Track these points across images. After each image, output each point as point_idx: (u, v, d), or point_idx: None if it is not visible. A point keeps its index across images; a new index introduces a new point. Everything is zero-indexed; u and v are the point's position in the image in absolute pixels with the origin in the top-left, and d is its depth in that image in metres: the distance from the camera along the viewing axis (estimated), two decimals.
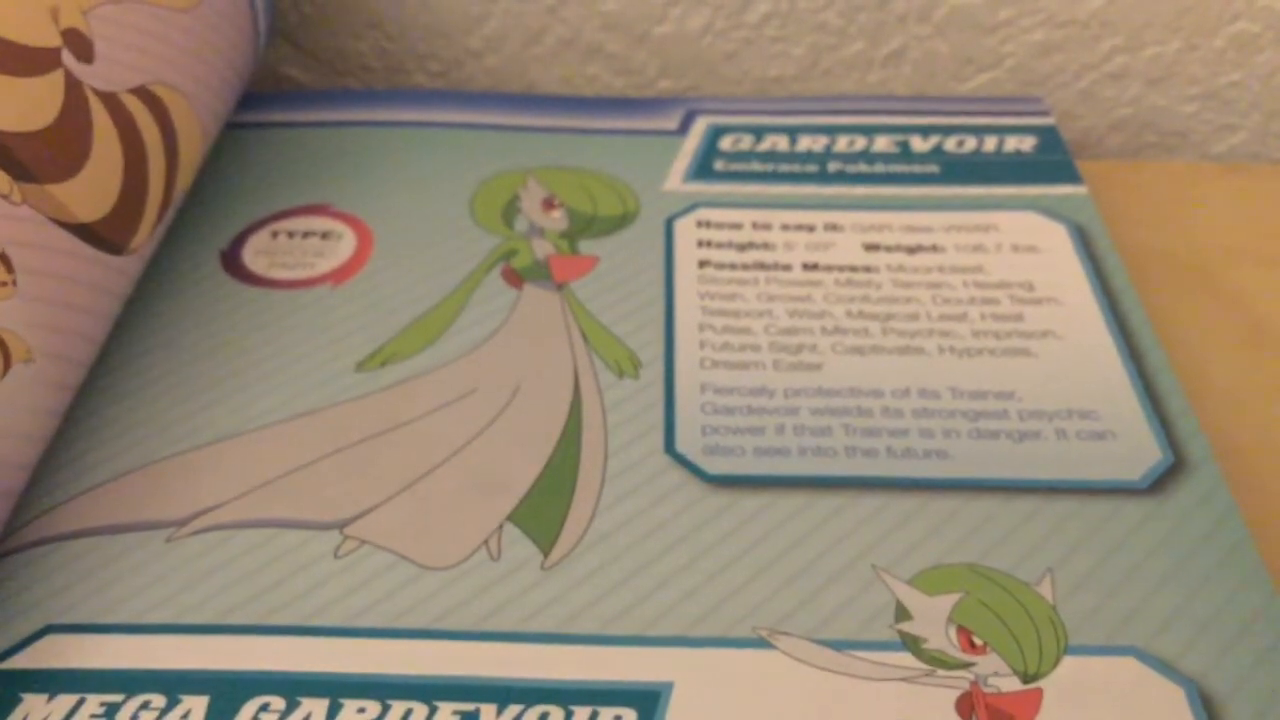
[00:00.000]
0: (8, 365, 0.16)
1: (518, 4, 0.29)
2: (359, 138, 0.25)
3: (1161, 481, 0.18)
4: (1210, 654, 0.16)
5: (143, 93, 0.20)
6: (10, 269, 0.17)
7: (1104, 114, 0.31)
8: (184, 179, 0.21)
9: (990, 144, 0.26)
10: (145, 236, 0.20)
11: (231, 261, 0.21)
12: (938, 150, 0.25)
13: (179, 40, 0.21)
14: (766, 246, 0.22)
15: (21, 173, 0.17)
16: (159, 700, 0.15)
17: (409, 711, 0.15)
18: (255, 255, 0.22)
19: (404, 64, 0.30)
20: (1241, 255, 0.24)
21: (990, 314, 0.21)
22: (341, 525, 0.17)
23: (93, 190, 0.18)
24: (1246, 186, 0.27)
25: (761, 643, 0.16)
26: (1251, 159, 0.32)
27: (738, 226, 0.23)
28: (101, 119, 0.19)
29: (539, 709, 0.15)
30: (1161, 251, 0.24)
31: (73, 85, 0.18)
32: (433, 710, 0.15)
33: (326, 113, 0.26)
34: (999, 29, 0.29)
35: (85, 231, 0.18)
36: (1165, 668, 0.15)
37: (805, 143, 0.25)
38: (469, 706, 0.15)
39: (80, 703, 0.15)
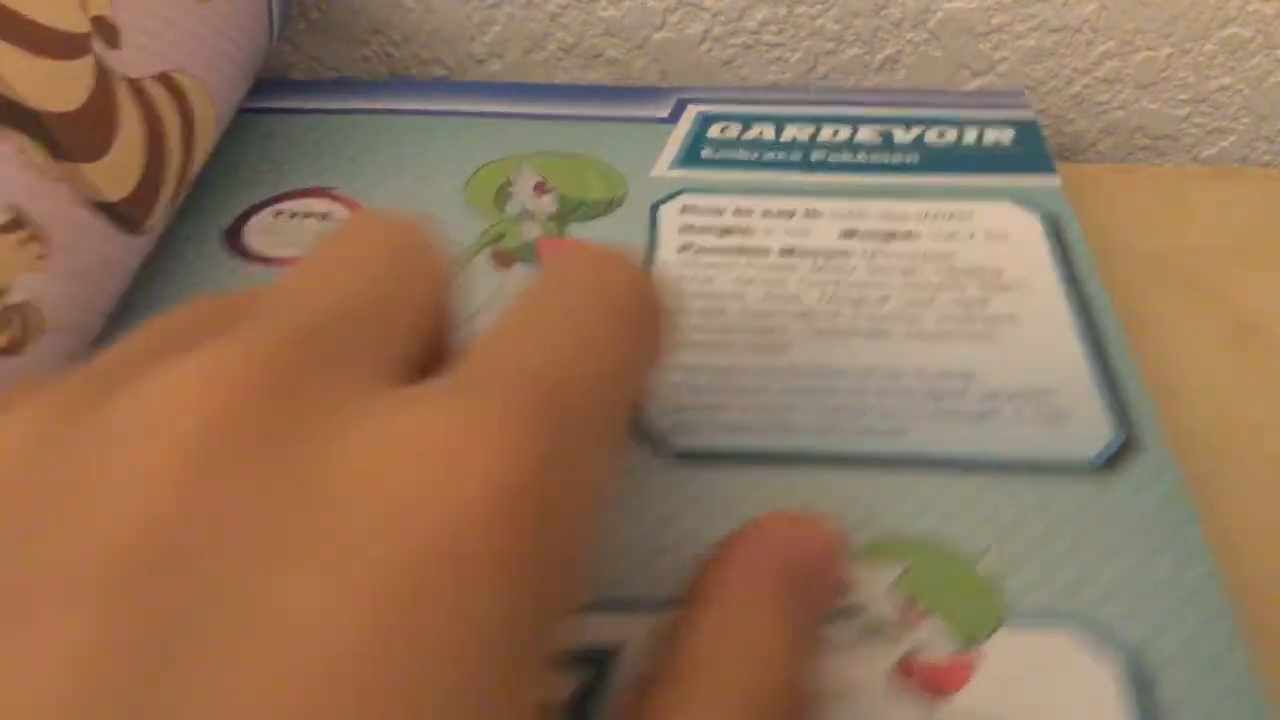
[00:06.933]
0: (28, 337, 0.17)
1: (520, 10, 0.29)
2: (360, 125, 0.26)
3: (1113, 460, 0.19)
4: (1149, 624, 0.16)
5: (165, 79, 0.21)
6: (46, 242, 0.18)
7: (1095, 118, 0.31)
8: (197, 163, 0.22)
9: (970, 136, 0.26)
10: (159, 217, 0.21)
11: (234, 240, 0.23)
12: (919, 141, 0.26)
13: (197, 30, 0.22)
14: (747, 231, 0.23)
15: (58, 151, 0.18)
16: None
17: None
18: (258, 235, 0.23)
19: (408, 70, 0.31)
20: (1231, 258, 0.24)
21: (958, 299, 0.22)
22: None
23: (118, 171, 0.19)
24: (1236, 190, 0.27)
25: None
26: (1241, 163, 0.32)
27: (720, 212, 0.24)
28: (127, 103, 0.20)
29: None
30: (1151, 254, 0.24)
31: (102, 70, 0.19)
32: None
33: (330, 101, 0.27)
34: (992, 34, 0.30)
35: (110, 210, 0.19)
36: (1104, 635, 0.16)
37: (791, 132, 0.26)
38: None
39: None
